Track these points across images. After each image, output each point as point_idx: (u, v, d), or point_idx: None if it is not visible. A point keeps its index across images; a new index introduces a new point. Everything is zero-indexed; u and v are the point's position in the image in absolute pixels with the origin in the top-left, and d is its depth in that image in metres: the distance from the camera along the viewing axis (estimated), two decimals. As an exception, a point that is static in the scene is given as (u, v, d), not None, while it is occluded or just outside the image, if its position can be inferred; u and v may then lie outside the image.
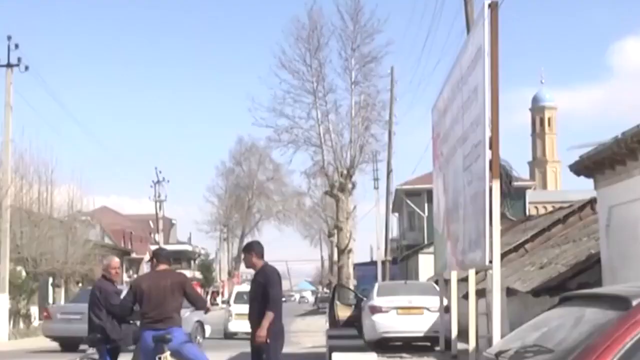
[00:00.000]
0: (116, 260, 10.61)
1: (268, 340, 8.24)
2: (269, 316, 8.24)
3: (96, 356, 10.06)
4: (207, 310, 10.19)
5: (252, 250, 8.64)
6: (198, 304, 9.44)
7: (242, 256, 8.66)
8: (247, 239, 70.64)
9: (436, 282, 19.02)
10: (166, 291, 8.77)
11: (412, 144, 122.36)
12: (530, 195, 48.55)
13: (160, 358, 8.61)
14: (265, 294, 8.30)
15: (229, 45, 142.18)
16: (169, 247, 55.81)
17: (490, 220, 10.05)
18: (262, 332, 8.20)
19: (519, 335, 4.56)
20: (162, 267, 9.10)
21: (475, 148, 11.07)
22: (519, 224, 25.71)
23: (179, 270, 16.98)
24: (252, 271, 9.02)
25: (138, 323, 9.49)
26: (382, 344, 17.11)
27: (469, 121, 11.54)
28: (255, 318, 8.42)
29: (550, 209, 37.31)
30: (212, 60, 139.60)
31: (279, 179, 67.92)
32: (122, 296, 9.64)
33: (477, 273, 14.81)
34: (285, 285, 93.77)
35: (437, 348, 16.70)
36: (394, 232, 52.13)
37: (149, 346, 8.72)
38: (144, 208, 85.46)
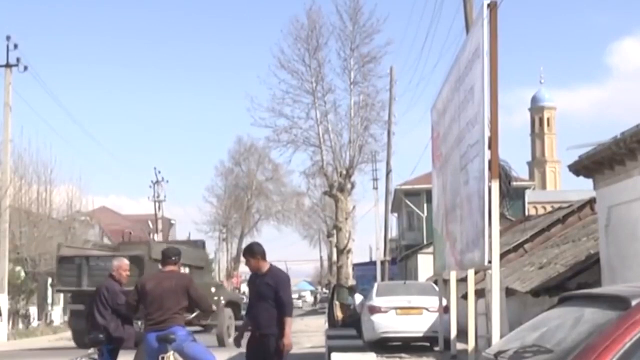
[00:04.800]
0: (126, 262, 10.58)
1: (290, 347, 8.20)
2: (290, 322, 8.16)
3: (96, 356, 10.07)
4: (212, 312, 10.11)
5: (258, 253, 8.40)
6: (202, 307, 9.38)
7: (247, 260, 8.36)
8: (247, 240, 70.59)
9: (435, 283, 19.02)
10: (170, 293, 8.71)
11: (412, 144, 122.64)
12: (529, 196, 48.56)
13: (163, 358, 8.60)
14: (277, 298, 8.15)
15: (228, 45, 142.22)
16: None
17: (489, 220, 10.04)
18: (288, 340, 8.09)
19: (518, 335, 4.56)
20: (169, 268, 9.02)
21: (472, 148, 11.08)
22: (518, 225, 25.72)
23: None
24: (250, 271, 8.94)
25: (140, 323, 9.47)
26: (382, 344, 17.11)
27: (465, 121, 11.56)
28: (264, 321, 8.20)
29: (549, 209, 37.34)
30: (212, 61, 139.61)
31: (279, 179, 67.85)
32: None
33: (476, 273, 14.82)
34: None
35: (437, 348, 16.71)
36: (394, 232, 52.14)
37: (152, 347, 8.70)
38: (143, 208, 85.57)
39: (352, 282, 37.39)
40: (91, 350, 10.28)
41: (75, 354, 12.22)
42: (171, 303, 8.71)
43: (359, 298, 20.61)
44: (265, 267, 8.32)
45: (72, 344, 26.73)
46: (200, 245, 23.93)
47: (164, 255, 9.24)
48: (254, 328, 8.38)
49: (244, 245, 69.28)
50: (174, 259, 9.07)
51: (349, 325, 19.72)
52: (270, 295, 8.18)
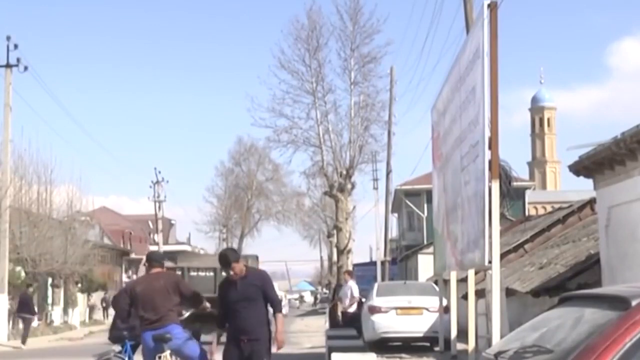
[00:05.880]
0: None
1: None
2: (282, 318, 8.14)
3: (117, 349, 10.17)
4: (204, 308, 10.09)
5: (238, 256, 8.28)
6: (194, 302, 9.47)
7: (230, 268, 8.01)
8: (247, 240, 70.71)
9: (436, 283, 19.02)
10: (162, 292, 8.85)
11: (412, 144, 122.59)
12: (529, 196, 48.52)
13: (160, 357, 8.63)
14: (266, 297, 8.08)
15: (228, 45, 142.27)
16: (167, 248, 55.83)
17: (489, 220, 10.05)
18: (282, 336, 8.05)
19: (518, 335, 4.56)
20: (156, 270, 9.23)
21: (473, 148, 11.08)
22: (518, 225, 25.72)
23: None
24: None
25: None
26: (382, 344, 17.11)
27: (467, 121, 11.56)
28: (253, 325, 7.99)
29: (549, 209, 37.35)
30: (212, 61, 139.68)
31: (278, 179, 67.87)
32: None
33: (476, 273, 14.82)
34: (284, 285, 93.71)
35: (437, 348, 16.70)
36: (394, 232, 52.11)
37: (149, 346, 8.77)
38: (143, 208, 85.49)
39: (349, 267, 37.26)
40: (115, 347, 10.38)
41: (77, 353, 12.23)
42: (163, 301, 8.84)
43: (354, 287, 20.39)
44: (245, 269, 8.19)
45: (72, 343, 26.78)
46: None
47: (149, 258, 9.57)
48: (239, 334, 8.01)
49: (244, 245, 69.45)
50: (159, 261, 9.46)
51: (348, 324, 19.73)
52: (257, 296, 8.01)
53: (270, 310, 8.20)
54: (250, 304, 7.97)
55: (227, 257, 8.09)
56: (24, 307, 26.14)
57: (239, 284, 7.98)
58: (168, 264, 10.67)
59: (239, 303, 8.00)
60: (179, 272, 24.76)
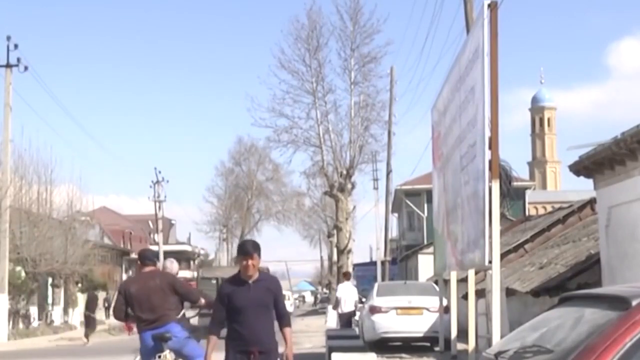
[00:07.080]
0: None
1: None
2: (290, 332, 7.14)
3: None
4: (200, 306, 9.82)
5: (260, 252, 7.11)
6: (192, 298, 9.33)
7: (251, 257, 6.87)
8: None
9: (436, 283, 19.02)
10: (158, 291, 8.72)
11: (412, 144, 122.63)
12: (529, 196, 48.53)
13: (160, 357, 8.59)
14: (276, 304, 7.11)
15: (228, 45, 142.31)
16: (167, 248, 55.79)
17: (489, 220, 10.05)
18: (291, 351, 7.07)
19: (518, 335, 4.56)
20: (149, 268, 9.07)
21: (472, 148, 11.09)
22: (518, 225, 25.72)
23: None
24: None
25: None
26: (382, 344, 17.10)
27: (466, 121, 11.57)
28: (266, 335, 7.04)
29: (549, 209, 37.36)
30: (212, 61, 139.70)
31: (279, 179, 67.88)
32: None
33: (476, 273, 14.82)
34: (284, 285, 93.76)
35: (437, 348, 16.70)
36: (394, 232, 52.12)
37: (148, 346, 8.70)
38: (143, 208, 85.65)
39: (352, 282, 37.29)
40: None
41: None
42: (160, 300, 8.72)
43: (340, 289, 20.23)
44: (257, 271, 7.12)
45: (72, 343, 26.77)
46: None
47: (142, 257, 9.33)
48: (248, 345, 6.96)
49: (244, 245, 69.15)
50: (152, 259, 9.34)
51: (346, 324, 19.73)
52: (270, 303, 7.06)
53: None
54: (261, 311, 7.02)
55: (247, 246, 7.02)
56: (89, 306, 27.86)
57: (252, 287, 6.98)
58: (184, 274, 10.57)
59: (249, 309, 6.99)
60: (214, 282, 25.18)
